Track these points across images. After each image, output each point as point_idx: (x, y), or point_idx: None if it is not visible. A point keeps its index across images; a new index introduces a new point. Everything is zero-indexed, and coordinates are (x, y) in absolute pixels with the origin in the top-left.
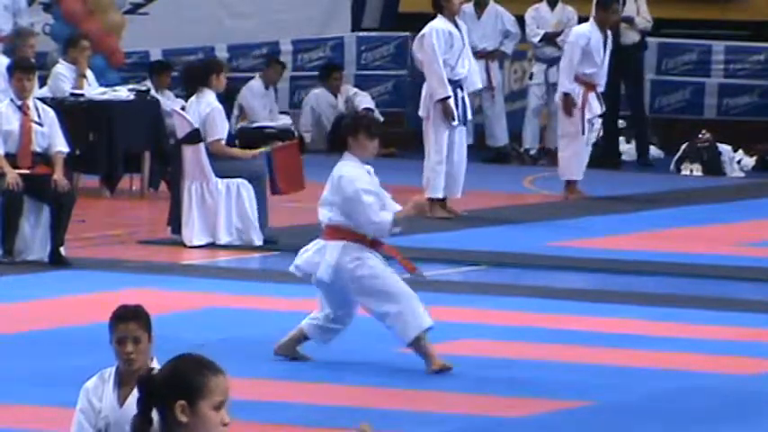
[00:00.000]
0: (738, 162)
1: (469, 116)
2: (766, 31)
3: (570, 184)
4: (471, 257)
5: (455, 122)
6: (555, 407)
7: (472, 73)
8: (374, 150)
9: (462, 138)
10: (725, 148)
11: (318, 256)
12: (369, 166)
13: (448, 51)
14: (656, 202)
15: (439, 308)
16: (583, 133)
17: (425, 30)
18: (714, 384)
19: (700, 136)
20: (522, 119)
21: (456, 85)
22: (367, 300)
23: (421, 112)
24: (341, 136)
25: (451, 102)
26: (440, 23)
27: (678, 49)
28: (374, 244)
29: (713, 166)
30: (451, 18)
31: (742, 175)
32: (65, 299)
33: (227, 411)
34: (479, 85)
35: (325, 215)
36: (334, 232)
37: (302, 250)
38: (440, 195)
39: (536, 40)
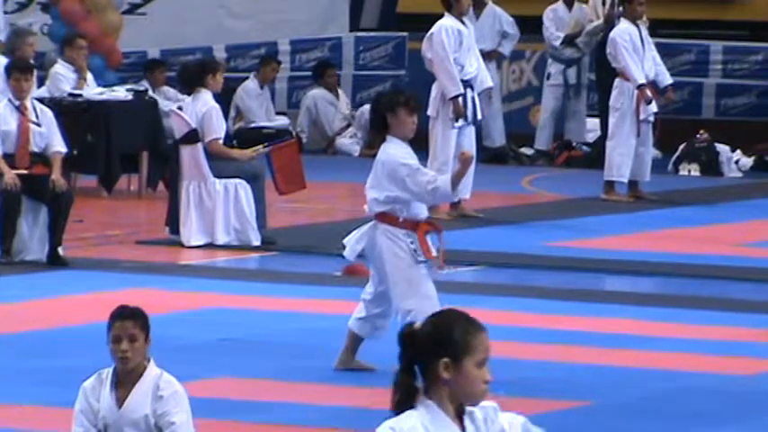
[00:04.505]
0: (736, 162)
1: (479, 116)
2: (765, 32)
3: (610, 185)
4: (470, 257)
5: (463, 122)
6: (554, 407)
7: (482, 71)
8: (413, 126)
9: (472, 138)
10: (723, 148)
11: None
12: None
13: (458, 49)
14: (655, 203)
15: None
16: (638, 135)
17: (434, 28)
18: (714, 384)
19: (698, 136)
20: (520, 119)
21: (466, 84)
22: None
23: (430, 112)
24: (381, 115)
25: (461, 100)
26: (448, 21)
27: (676, 49)
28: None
29: (711, 166)
30: (459, 17)
31: (740, 175)
32: (63, 299)
33: (488, 369)
34: (490, 83)
35: (370, 205)
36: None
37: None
38: None
39: (557, 43)
